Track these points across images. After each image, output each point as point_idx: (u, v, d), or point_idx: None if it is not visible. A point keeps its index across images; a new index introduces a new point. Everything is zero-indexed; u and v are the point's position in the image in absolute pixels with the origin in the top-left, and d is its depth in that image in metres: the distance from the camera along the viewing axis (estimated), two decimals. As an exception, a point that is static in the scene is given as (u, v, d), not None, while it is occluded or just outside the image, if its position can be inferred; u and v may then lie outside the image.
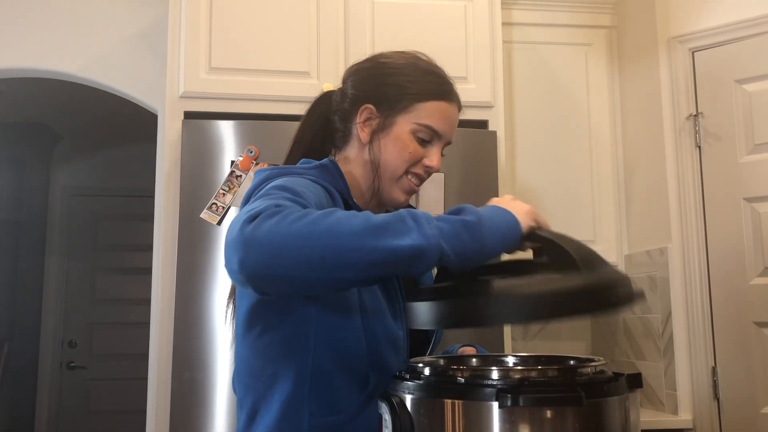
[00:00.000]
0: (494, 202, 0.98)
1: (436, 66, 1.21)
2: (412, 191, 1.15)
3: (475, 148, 2.31)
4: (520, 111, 2.72)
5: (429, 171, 1.15)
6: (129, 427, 4.48)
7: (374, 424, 1.00)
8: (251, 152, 2.15)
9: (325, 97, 1.24)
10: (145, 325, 2.73)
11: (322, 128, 1.23)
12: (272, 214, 0.85)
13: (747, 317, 2.25)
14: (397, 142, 1.12)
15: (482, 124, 2.39)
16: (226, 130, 2.18)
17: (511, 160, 2.65)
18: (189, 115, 2.24)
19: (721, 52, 2.39)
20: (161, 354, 2.16)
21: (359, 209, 1.12)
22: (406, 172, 1.13)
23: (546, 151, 2.72)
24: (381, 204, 1.18)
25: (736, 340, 2.28)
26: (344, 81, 1.22)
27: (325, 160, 1.14)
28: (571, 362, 0.94)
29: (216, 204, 2.12)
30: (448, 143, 1.18)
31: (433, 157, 1.14)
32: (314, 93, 1.28)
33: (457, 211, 0.91)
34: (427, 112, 1.13)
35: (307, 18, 2.34)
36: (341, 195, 1.11)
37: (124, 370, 4.70)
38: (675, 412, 2.38)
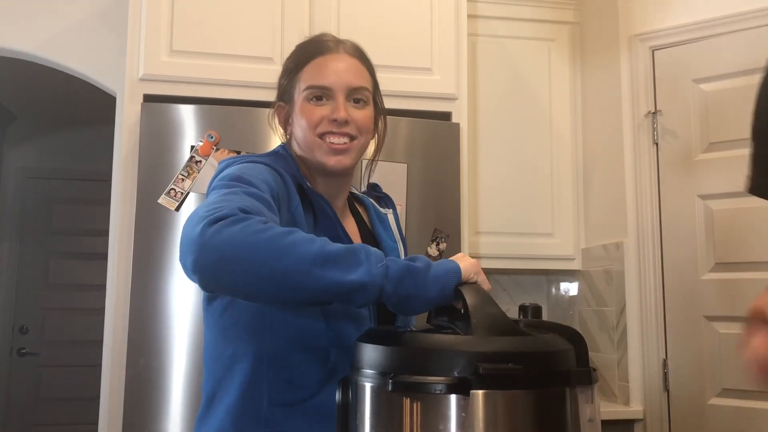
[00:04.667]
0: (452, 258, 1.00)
1: (321, 34, 1.25)
2: (335, 150, 1.16)
3: (438, 140, 2.32)
4: (483, 104, 2.73)
5: (339, 123, 1.15)
6: (81, 414, 4.41)
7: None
8: (211, 137, 2.11)
9: None
10: (100, 311, 2.68)
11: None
12: (235, 221, 0.86)
13: (698, 311, 2.31)
14: (299, 115, 1.17)
15: (446, 116, 2.40)
16: (187, 114, 2.14)
17: (473, 153, 2.66)
18: (148, 98, 2.19)
19: (680, 51, 2.44)
20: (116, 340, 2.13)
21: (312, 190, 1.15)
22: (320, 136, 1.16)
23: (507, 145, 2.74)
24: (324, 175, 1.19)
25: (687, 333, 2.34)
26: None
27: (278, 146, 1.19)
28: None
29: (174, 189, 2.09)
30: (357, 89, 1.18)
31: (333, 108, 1.16)
32: (277, 79, 1.28)
33: (412, 258, 0.94)
34: (308, 74, 1.18)
35: (271, 3, 2.31)
36: (294, 178, 1.13)
37: (77, 357, 4.61)
38: (627, 403, 2.44)
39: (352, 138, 1.16)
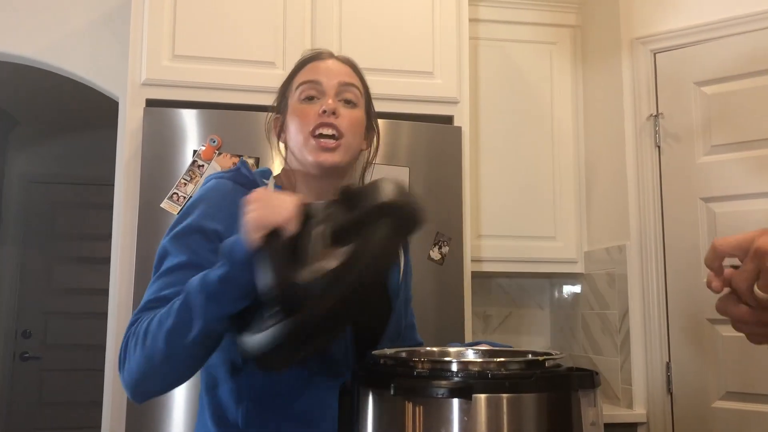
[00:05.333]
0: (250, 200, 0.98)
1: (311, 49, 1.30)
2: (323, 147, 1.16)
3: (440, 143, 2.32)
4: (485, 107, 2.74)
5: (328, 113, 1.16)
6: (84, 419, 4.41)
7: (315, 407, 1.09)
8: (214, 142, 2.12)
9: None
10: (103, 315, 2.69)
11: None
12: (124, 353, 1.04)
13: (701, 314, 2.31)
14: (292, 116, 1.20)
15: (447, 120, 2.40)
16: (189, 118, 2.15)
17: (475, 156, 2.66)
18: (151, 103, 2.20)
19: (681, 54, 2.44)
20: (119, 344, 2.12)
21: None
22: (312, 134, 1.16)
23: (510, 148, 2.74)
24: (316, 177, 1.20)
25: (690, 336, 2.33)
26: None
27: (239, 163, 1.21)
28: (529, 356, 0.95)
29: (177, 194, 2.09)
30: (345, 86, 1.20)
31: (323, 103, 1.17)
32: (279, 83, 1.29)
33: (227, 255, 0.96)
34: (299, 77, 1.22)
35: (273, 8, 2.31)
36: (252, 187, 1.15)
37: (79, 361, 4.61)
38: (630, 406, 2.43)
39: (340, 135, 1.16)
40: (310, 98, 1.18)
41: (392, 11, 2.40)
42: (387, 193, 0.87)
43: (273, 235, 0.90)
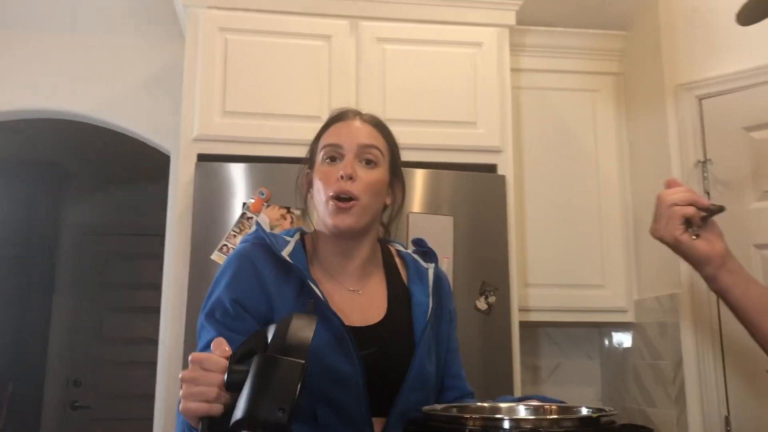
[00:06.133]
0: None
1: (338, 108, 1.33)
2: (340, 209, 1.20)
3: (484, 192, 2.33)
4: (528, 155, 2.74)
5: (344, 178, 1.19)
6: (132, 468, 4.42)
7: None
8: (263, 194, 2.17)
9: None
10: (152, 364, 2.73)
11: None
12: None
13: (760, 365, 2.22)
14: (316, 178, 1.25)
15: (491, 168, 2.41)
16: (238, 172, 2.21)
17: (519, 204, 2.65)
18: (202, 158, 2.27)
19: (728, 99, 2.42)
20: (168, 394, 2.15)
21: (294, 263, 1.20)
22: (331, 198, 1.21)
23: (554, 196, 2.73)
24: (338, 238, 1.25)
25: (750, 388, 2.25)
26: None
27: (257, 227, 1.26)
28: (583, 412, 0.93)
29: (227, 245, 2.14)
30: (367, 148, 1.23)
31: (341, 166, 1.21)
32: None
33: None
34: (326, 138, 1.26)
35: (319, 63, 2.38)
36: (275, 257, 1.20)
37: (129, 410, 4.65)
38: (687, 461, 2.34)
39: (356, 198, 1.20)
40: (333, 159, 1.23)
41: (435, 64, 2.44)
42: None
43: (202, 420, 0.93)
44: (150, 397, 2.75)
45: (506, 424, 0.83)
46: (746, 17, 1.58)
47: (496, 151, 2.42)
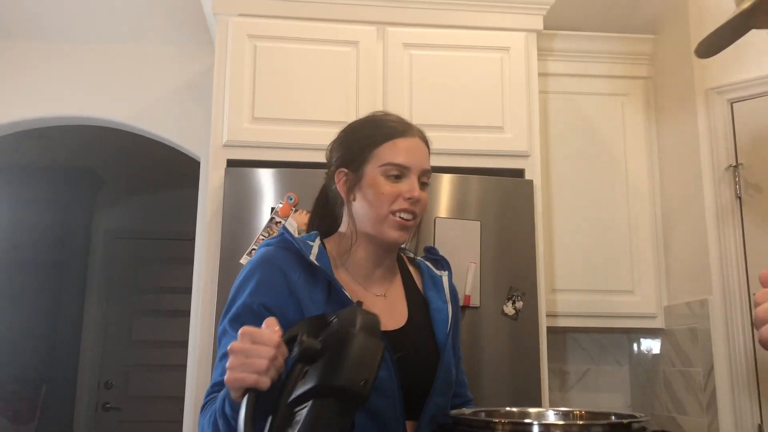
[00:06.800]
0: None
1: (388, 114, 1.34)
2: (404, 227, 1.24)
3: (511, 197, 2.32)
4: (556, 160, 2.72)
5: (413, 201, 1.23)
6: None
7: None
8: (291, 199, 2.19)
9: (323, 184, 1.39)
10: (182, 367, 2.76)
11: (327, 206, 1.36)
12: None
13: (793, 373, 2.18)
14: (372, 188, 1.24)
15: (519, 173, 2.41)
16: (267, 177, 2.23)
17: (547, 210, 2.64)
18: (231, 163, 2.30)
19: (760, 102, 2.38)
20: (198, 397, 2.18)
21: (322, 267, 1.22)
22: (392, 212, 1.23)
23: (583, 201, 2.71)
24: (381, 247, 1.27)
25: (783, 396, 2.21)
26: (327, 159, 1.36)
27: (282, 229, 1.27)
28: (612, 418, 0.93)
29: (255, 249, 2.16)
30: (426, 173, 1.27)
31: (410, 188, 1.24)
32: (334, 143, 1.36)
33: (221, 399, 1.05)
34: (388, 152, 1.25)
35: (346, 69, 2.40)
36: (301, 259, 1.22)
37: (159, 413, 4.71)
38: (719, 470, 2.30)
39: (415, 216, 1.25)
40: (397, 176, 1.25)
41: (462, 68, 2.45)
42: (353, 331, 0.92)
43: (248, 392, 0.94)
44: (179, 400, 2.79)
45: (536, 429, 0.83)
46: (704, 51, 1.75)
47: (524, 155, 2.41)
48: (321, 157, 2.33)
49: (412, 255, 1.42)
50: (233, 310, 1.19)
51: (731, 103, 2.45)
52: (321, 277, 1.21)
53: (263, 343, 0.94)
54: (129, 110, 2.95)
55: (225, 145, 2.31)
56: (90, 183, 5.01)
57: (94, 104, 2.95)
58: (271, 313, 1.16)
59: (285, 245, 1.24)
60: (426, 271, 1.37)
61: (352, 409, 0.87)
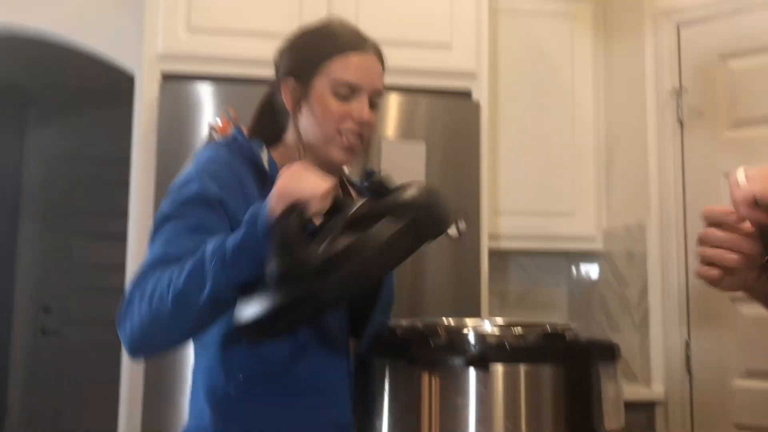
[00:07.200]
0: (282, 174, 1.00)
1: (344, 24, 1.25)
2: (350, 148, 1.18)
3: (457, 118, 2.29)
4: (504, 82, 2.69)
5: (361, 124, 1.18)
6: (104, 392, 4.46)
7: (309, 376, 1.10)
8: (230, 115, 2.10)
9: (268, 88, 1.30)
10: (121, 291, 2.70)
11: (270, 116, 1.27)
12: (125, 314, 1.04)
13: (722, 292, 2.27)
14: (319, 104, 1.17)
15: (466, 94, 2.37)
16: (205, 92, 2.14)
17: (493, 131, 2.62)
18: (166, 77, 2.19)
19: (706, 27, 2.38)
20: (136, 319, 2.14)
21: (271, 168, 1.17)
22: (339, 132, 1.17)
23: (528, 123, 2.70)
24: (325, 167, 1.19)
25: (711, 314, 2.30)
26: (275, 65, 1.27)
27: (235, 130, 1.20)
28: (548, 328, 0.94)
29: (193, 168, 2.08)
30: (378, 93, 1.21)
31: (359, 109, 1.17)
32: (282, 50, 1.29)
33: (247, 222, 0.97)
34: (339, 68, 1.17)
35: (289, -20, 2.28)
36: (252, 162, 1.16)
37: (99, 336, 4.65)
38: (648, 384, 2.41)
39: (363, 138, 1.19)
40: (345, 97, 1.17)
41: (410, -17, 2.35)
42: (414, 194, 0.89)
43: (295, 209, 0.90)
44: (119, 322, 2.74)
45: (471, 338, 0.82)
46: None
47: (471, 75, 2.37)
48: (262, 71, 2.24)
49: (349, 176, 1.37)
50: (183, 197, 1.09)
51: (678, 26, 2.44)
52: (269, 185, 1.14)
53: (318, 180, 0.94)
54: (54, 18, 2.76)
55: (159, 57, 2.19)
56: (18, 100, 4.76)
57: (15, 10, 2.75)
58: (225, 211, 1.09)
59: (239, 149, 1.17)
60: (365, 194, 1.34)
61: (423, 239, 0.86)
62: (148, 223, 2.08)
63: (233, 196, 1.10)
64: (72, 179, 4.90)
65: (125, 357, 2.54)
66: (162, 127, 2.11)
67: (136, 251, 2.17)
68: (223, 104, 2.12)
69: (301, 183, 0.94)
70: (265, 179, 1.15)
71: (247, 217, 0.97)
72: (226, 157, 1.15)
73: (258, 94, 2.13)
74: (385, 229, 0.83)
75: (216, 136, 2.10)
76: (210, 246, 0.97)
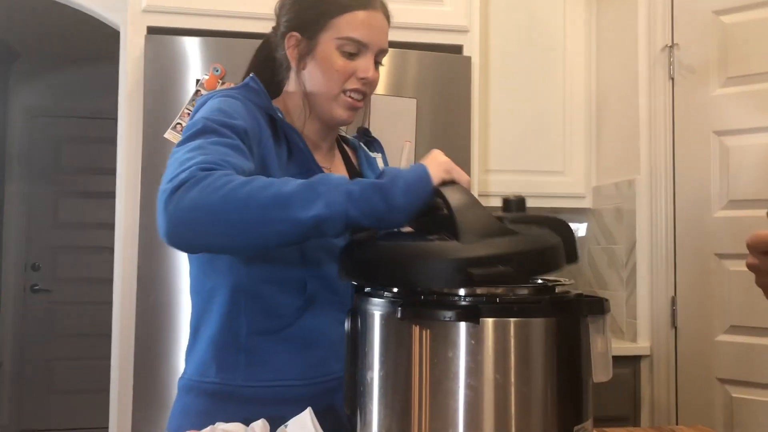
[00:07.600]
0: (422, 160, 0.99)
1: None
2: (353, 107, 1.18)
3: (448, 74, 2.26)
4: (495, 37, 2.66)
5: (366, 83, 1.17)
6: (94, 350, 4.50)
7: (315, 329, 1.10)
8: (217, 71, 2.07)
9: (266, 40, 1.27)
10: (110, 249, 2.69)
11: (268, 68, 1.25)
12: (193, 184, 0.88)
13: (709, 249, 2.29)
14: (325, 62, 1.15)
15: (457, 49, 2.34)
16: (192, 46, 2.10)
17: (484, 88, 2.60)
18: (152, 31, 2.14)
19: (700, -19, 2.35)
20: (125, 278, 2.14)
21: (286, 123, 1.14)
22: (343, 90, 1.16)
23: (520, 79, 2.68)
24: (325, 124, 1.21)
25: (697, 271, 2.33)
26: (276, 16, 1.24)
27: (249, 78, 1.16)
28: (538, 281, 0.94)
29: (181, 124, 2.06)
30: (383, 52, 1.19)
31: (364, 67, 1.16)
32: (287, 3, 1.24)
33: (380, 174, 0.94)
34: (346, 25, 1.14)
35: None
36: (266, 111, 1.13)
37: (89, 294, 4.67)
38: (634, 339, 2.45)
39: (365, 96, 1.19)
40: (351, 54, 1.15)
41: (400, -65, 2.30)
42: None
43: (450, 184, 0.92)
44: (109, 281, 2.74)
45: (461, 291, 0.83)
46: None
47: (463, 31, 2.34)
48: (251, 26, 2.21)
49: (344, 134, 1.37)
50: (215, 119, 1.01)
51: (672, -19, 2.41)
52: (282, 137, 1.14)
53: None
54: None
55: (144, 11, 2.14)
56: (2, 55, 4.66)
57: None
58: (249, 144, 1.02)
59: (253, 97, 1.13)
60: (361, 151, 1.35)
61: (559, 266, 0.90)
62: (137, 180, 2.08)
63: (254, 130, 1.07)
64: (58, 136, 4.85)
65: (115, 314, 2.54)
66: (147, 83, 2.08)
67: (124, 209, 2.15)
68: (210, 59, 2.09)
69: (450, 165, 0.96)
70: (276, 130, 1.13)
71: (393, 170, 0.94)
72: (240, 107, 1.10)
73: (245, 49, 2.09)
74: (551, 236, 0.89)
75: (204, 91, 2.07)
76: (331, 177, 0.92)
